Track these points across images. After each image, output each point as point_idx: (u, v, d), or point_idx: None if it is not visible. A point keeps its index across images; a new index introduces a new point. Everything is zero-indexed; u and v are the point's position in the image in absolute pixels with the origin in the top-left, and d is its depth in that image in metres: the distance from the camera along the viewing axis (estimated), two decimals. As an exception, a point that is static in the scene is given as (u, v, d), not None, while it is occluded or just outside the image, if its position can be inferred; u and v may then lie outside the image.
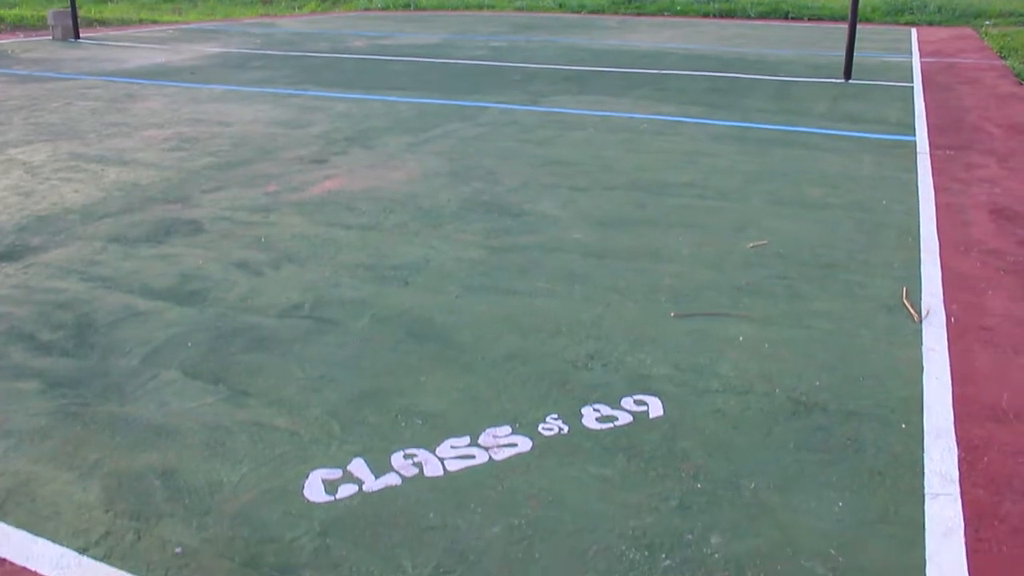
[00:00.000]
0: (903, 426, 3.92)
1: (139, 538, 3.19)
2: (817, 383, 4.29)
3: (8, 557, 3.10)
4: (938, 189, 7.94)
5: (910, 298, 5.35)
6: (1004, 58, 18.10)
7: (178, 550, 3.12)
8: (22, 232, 6.61)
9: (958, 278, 5.76)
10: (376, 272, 5.76)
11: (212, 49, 19.41)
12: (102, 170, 8.52)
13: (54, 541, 3.19)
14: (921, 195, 7.71)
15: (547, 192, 7.69)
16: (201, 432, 3.87)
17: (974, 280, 5.74)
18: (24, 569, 3.05)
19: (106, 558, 3.09)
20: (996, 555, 3.12)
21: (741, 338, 4.78)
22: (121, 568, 3.04)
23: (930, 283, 5.65)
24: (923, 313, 5.16)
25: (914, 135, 10.24)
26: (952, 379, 4.39)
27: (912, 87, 13.99)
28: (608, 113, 11.48)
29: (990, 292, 5.53)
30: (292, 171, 8.48)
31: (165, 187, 7.91)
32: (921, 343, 4.78)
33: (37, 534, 3.23)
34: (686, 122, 10.91)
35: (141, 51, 19.02)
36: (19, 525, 3.27)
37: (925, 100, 12.72)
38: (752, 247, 6.25)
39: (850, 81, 14.38)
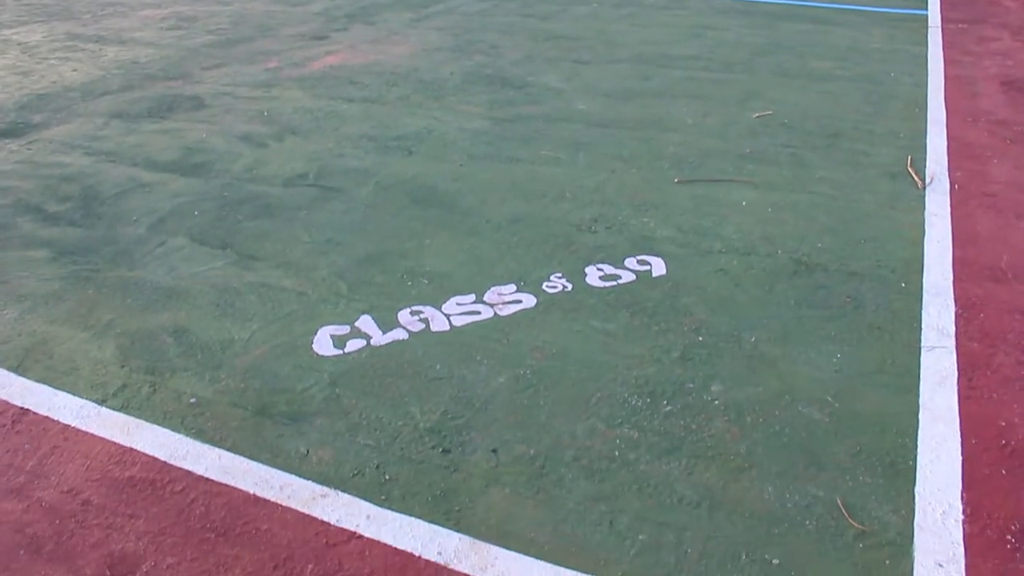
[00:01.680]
0: (903, 285, 3.97)
1: (154, 391, 3.28)
2: (819, 245, 4.32)
3: (32, 408, 3.20)
4: (948, 62, 7.82)
5: (915, 166, 5.33)
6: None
7: (192, 401, 3.21)
8: (23, 110, 6.57)
9: (964, 147, 5.73)
10: (379, 143, 5.74)
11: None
12: (100, 49, 8.41)
13: (73, 394, 3.28)
14: (931, 68, 7.60)
15: (551, 65, 7.60)
16: (211, 293, 3.93)
17: (980, 149, 5.71)
18: (47, 419, 3.15)
19: (124, 409, 3.19)
20: (987, 401, 3.20)
21: (744, 203, 4.80)
22: (139, 417, 3.13)
23: (935, 152, 5.63)
24: (927, 180, 5.15)
25: (926, 9, 10.04)
26: (953, 242, 4.42)
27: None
28: (613, -12, 11.24)
29: (996, 160, 5.51)
30: (293, 47, 8.36)
31: (165, 65, 7.82)
32: (924, 208, 4.79)
33: (57, 388, 3.32)
34: (693, -3, 10.69)
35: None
36: (40, 380, 3.36)
37: (938, -27, 12.41)
38: (757, 117, 6.20)
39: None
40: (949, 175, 5.26)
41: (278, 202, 4.85)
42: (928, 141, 5.80)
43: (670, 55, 7.96)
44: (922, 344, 3.54)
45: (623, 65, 7.61)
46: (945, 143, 5.79)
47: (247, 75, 7.41)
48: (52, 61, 7.97)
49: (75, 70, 7.66)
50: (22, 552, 2.58)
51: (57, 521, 2.69)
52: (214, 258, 4.25)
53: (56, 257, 4.29)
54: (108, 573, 2.51)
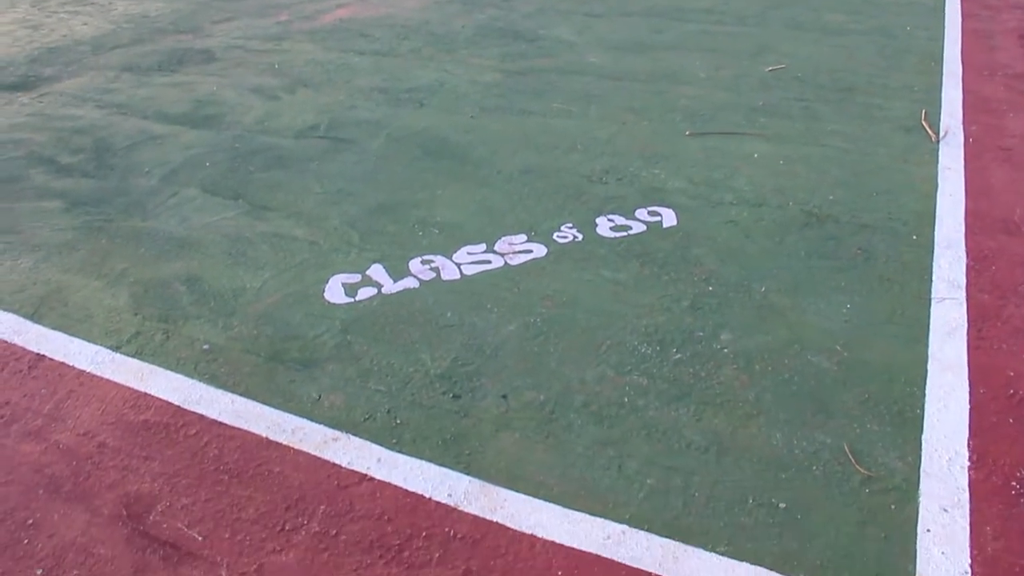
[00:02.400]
0: (914, 237, 3.96)
1: (168, 337, 3.31)
2: (831, 197, 4.31)
3: (47, 354, 3.24)
4: (966, 15, 7.72)
5: (929, 120, 5.29)
6: None
7: (206, 347, 3.24)
8: (34, 63, 6.57)
9: (980, 101, 5.67)
10: (391, 95, 5.73)
11: None
12: (110, 3, 8.39)
13: (88, 341, 3.32)
14: (948, 21, 7.51)
15: (563, 18, 7.54)
16: (223, 243, 3.95)
17: (996, 103, 5.65)
18: (63, 364, 3.19)
19: (138, 355, 3.22)
20: (996, 352, 3.20)
21: (756, 155, 4.78)
22: (153, 363, 3.17)
23: (950, 105, 5.58)
24: (941, 134, 5.12)
25: (944, -39, 9.89)
26: (966, 195, 4.39)
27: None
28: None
29: (1012, 114, 5.46)
30: (303, 0, 8.31)
31: (175, 19, 7.79)
32: (937, 162, 4.76)
33: (72, 335, 3.36)
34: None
35: None
36: (55, 327, 3.40)
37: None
38: (770, 71, 6.15)
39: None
40: (964, 129, 5.21)
41: (290, 153, 4.86)
42: (943, 95, 5.75)
43: (683, 8, 7.88)
44: (932, 295, 3.53)
45: (635, 18, 7.55)
46: (960, 97, 5.74)
47: (258, 28, 7.38)
48: (62, 15, 7.96)
49: (85, 24, 7.65)
50: (41, 492, 2.63)
51: (74, 463, 2.74)
52: (226, 208, 4.27)
53: (69, 208, 4.32)
54: (124, 512, 2.55)
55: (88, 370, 3.15)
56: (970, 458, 2.71)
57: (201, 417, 2.91)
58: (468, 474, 2.66)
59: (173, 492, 2.61)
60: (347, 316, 3.40)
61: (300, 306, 3.48)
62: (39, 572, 2.38)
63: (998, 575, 2.32)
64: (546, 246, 3.86)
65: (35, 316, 3.46)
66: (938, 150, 4.90)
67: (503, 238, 3.92)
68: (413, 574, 2.34)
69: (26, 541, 2.47)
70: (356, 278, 3.65)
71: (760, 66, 6.26)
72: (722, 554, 2.39)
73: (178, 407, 2.95)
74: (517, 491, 2.59)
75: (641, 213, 4.14)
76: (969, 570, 2.34)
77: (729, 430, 2.82)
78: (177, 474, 2.68)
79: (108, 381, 3.09)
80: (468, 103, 5.57)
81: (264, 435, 2.82)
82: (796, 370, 3.09)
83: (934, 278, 3.66)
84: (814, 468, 2.67)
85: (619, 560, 2.38)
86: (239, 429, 2.85)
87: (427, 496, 2.58)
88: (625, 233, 3.97)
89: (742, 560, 2.37)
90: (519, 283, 3.59)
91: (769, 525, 2.48)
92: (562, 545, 2.42)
